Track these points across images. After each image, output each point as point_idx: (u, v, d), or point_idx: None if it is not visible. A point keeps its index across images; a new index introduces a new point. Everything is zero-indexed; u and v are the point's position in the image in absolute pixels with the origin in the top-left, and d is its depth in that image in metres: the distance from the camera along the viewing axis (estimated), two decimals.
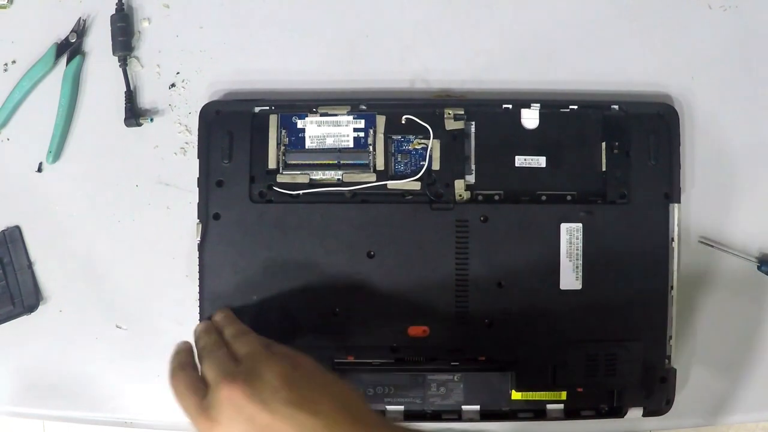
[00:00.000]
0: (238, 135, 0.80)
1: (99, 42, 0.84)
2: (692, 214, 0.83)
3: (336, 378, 0.67)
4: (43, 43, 0.84)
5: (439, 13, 0.85)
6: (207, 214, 0.80)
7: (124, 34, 0.83)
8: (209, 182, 0.80)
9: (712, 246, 0.83)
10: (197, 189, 0.80)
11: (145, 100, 0.84)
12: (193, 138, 0.83)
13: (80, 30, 0.84)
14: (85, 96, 0.84)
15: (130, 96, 0.83)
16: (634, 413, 0.80)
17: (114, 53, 0.83)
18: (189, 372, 0.69)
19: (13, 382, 0.84)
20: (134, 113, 0.83)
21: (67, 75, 0.83)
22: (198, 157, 0.81)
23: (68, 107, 0.83)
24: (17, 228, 0.84)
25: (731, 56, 0.85)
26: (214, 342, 0.71)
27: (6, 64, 0.85)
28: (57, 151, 0.83)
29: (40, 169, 0.84)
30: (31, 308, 0.84)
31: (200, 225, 0.80)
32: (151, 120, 0.83)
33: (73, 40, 0.84)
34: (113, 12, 0.83)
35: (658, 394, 0.80)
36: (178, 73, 0.84)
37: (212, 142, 0.80)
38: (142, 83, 0.84)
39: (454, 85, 0.84)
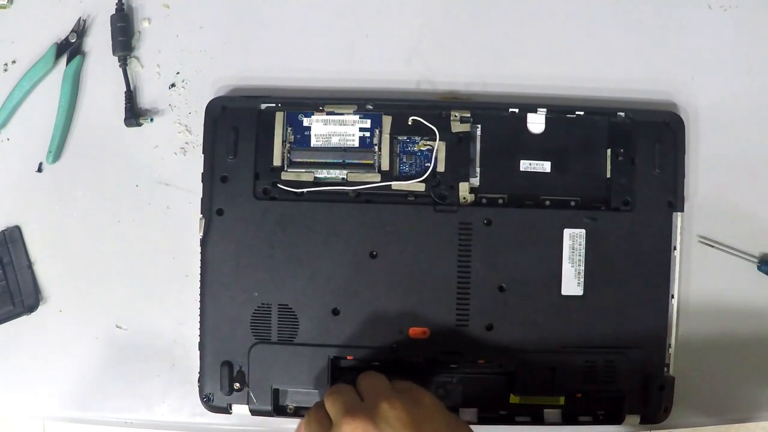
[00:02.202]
0: (244, 131, 0.80)
1: (99, 42, 0.84)
2: (694, 221, 0.83)
3: (458, 420, 0.67)
4: (43, 43, 0.83)
5: (445, 15, 0.84)
6: (210, 210, 0.80)
7: (124, 34, 0.83)
8: (213, 177, 0.80)
9: (712, 246, 0.83)
10: (198, 188, 0.80)
11: (145, 100, 0.84)
12: (193, 138, 0.83)
13: (80, 30, 0.83)
14: (85, 96, 0.84)
15: (130, 96, 0.83)
16: (632, 420, 0.80)
17: (114, 53, 0.83)
18: (318, 408, 0.70)
19: (13, 382, 0.84)
20: (134, 113, 0.83)
21: (67, 75, 0.82)
22: (203, 152, 0.80)
23: (68, 107, 0.82)
24: (17, 228, 0.84)
25: (731, 56, 0.85)
26: (340, 383, 0.72)
27: (6, 64, 0.84)
28: (57, 151, 0.83)
29: (40, 169, 0.84)
30: (31, 308, 0.83)
31: (203, 220, 0.80)
32: (151, 120, 0.83)
33: (73, 40, 0.83)
34: (113, 12, 0.83)
35: (656, 402, 0.80)
36: (178, 73, 0.84)
37: (217, 137, 0.80)
38: (142, 83, 0.84)
39: (460, 88, 0.83)
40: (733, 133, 0.84)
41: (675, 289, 0.80)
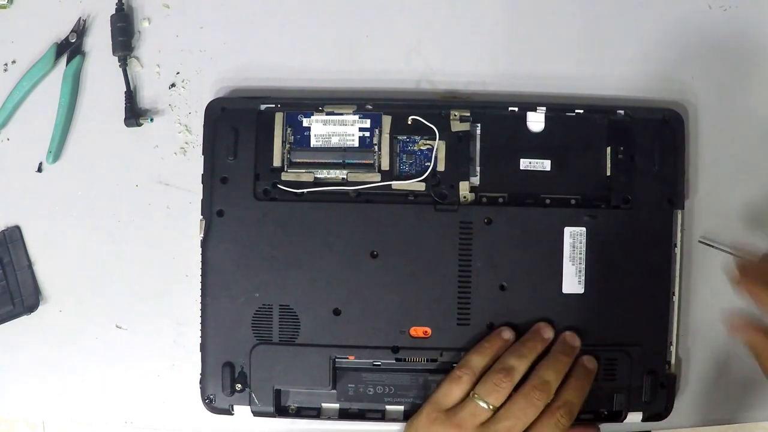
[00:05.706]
0: (244, 132, 0.80)
1: (99, 42, 0.84)
2: (694, 221, 0.83)
3: None
4: (43, 43, 0.83)
5: (445, 15, 0.84)
6: (211, 211, 0.80)
7: (124, 34, 0.83)
8: (213, 179, 0.80)
9: (712, 246, 0.83)
10: (198, 188, 0.80)
11: (145, 100, 0.84)
12: (193, 138, 0.83)
13: (80, 30, 0.83)
14: (85, 96, 0.84)
15: (130, 96, 0.83)
16: (634, 418, 0.80)
17: (114, 53, 0.83)
18: None
19: (13, 382, 0.84)
20: (134, 113, 0.83)
21: (67, 75, 0.82)
22: (203, 154, 0.80)
23: (68, 107, 0.82)
24: (17, 228, 0.84)
25: (731, 56, 0.85)
26: None
27: (6, 64, 0.84)
28: (57, 151, 0.83)
29: (40, 169, 0.84)
30: (31, 308, 0.83)
31: (203, 221, 0.79)
32: (151, 120, 0.83)
33: (73, 40, 0.83)
34: (113, 12, 0.83)
35: (657, 399, 0.79)
36: (178, 73, 0.84)
37: (217, 138, 0.80)
38: (142, 83, 0.84)
39: (460, 87, 0.84)
40: (733, 132, 0.84)
41: (675, 287, 0.80)
